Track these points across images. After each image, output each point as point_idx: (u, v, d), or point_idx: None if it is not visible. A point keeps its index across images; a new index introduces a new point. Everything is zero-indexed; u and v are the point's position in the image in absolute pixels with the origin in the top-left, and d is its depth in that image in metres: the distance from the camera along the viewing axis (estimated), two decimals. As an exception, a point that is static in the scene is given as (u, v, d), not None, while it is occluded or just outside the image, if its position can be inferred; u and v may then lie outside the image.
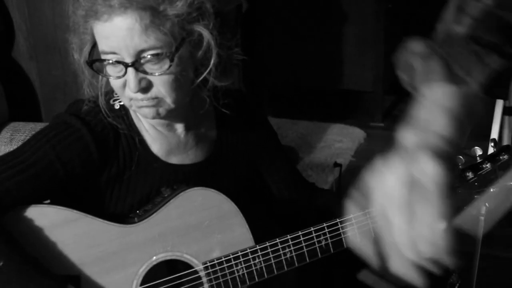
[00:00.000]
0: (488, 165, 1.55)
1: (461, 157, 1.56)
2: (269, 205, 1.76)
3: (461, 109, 0.93)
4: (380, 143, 4.18)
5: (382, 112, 4.48)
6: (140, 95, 1.41)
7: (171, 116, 1.49)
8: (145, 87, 1.40)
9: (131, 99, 1.43)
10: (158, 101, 1.42)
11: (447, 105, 0.92)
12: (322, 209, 1.75)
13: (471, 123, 0.94)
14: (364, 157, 4.01)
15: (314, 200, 1.79)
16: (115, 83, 1.43)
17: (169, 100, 1.42)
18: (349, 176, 3.59)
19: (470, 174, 1.56)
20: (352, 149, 4.04)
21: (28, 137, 1.52)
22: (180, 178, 1.55)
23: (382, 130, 4.38)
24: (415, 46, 1.01)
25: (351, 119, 4.38)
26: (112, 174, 1.49)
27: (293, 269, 1.62)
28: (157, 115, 1.44)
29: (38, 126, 1.53)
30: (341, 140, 4.11)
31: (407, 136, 0.92)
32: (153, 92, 1.41)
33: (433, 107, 0.93)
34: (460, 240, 0.84)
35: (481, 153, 1.56)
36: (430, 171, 0.84)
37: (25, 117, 2.65)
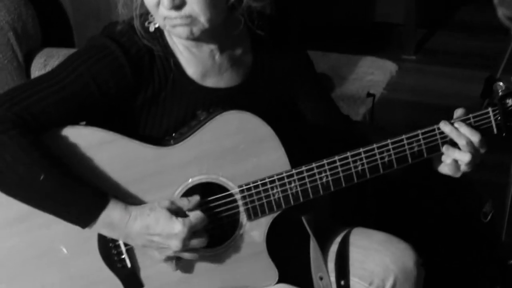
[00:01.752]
0: None
1: (500, 83, 1.53)
2: (304, 132, 1.75)
3: None
4: (412, 76, 4.16)
5: (414, 45, 4.43)
6: (174, 13, 1.40)
7: (205, 37, 1.47)
8: (179, 5, 1.39)
9: (165, 18, 1.42)
10: (192, 20, 1.41)
11: None
12: (357, 138, 1.73)
13: None
14: (396, 90, 3.99)
15: (349, 130, 1.78)
16: (149, 2, 1.42)
17: (202, 19, 1.41)
18: (381, 108, 3.57)
19: (510, 101, 1.53)
20: (384, 81, 4.02)
21: (62, 63, 1.51)
22: (215, 102, 1.54)
23: (414, 63, 4.35)
24: None
25: (382, 52, 4.34)
26: (147, 97, 1.49)
27: (327, 199, 1.61)
28: (191, 35, 1.43)
29: (71, 52, 1.53)
30: (372, 72, 4.08)
31: None
32: (186, 10, 1.40)
33: None
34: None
35: None
36: None
37: (58, 43, 2.64)
